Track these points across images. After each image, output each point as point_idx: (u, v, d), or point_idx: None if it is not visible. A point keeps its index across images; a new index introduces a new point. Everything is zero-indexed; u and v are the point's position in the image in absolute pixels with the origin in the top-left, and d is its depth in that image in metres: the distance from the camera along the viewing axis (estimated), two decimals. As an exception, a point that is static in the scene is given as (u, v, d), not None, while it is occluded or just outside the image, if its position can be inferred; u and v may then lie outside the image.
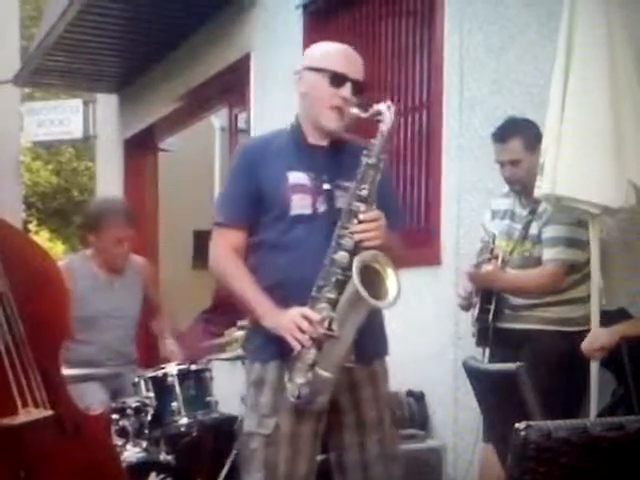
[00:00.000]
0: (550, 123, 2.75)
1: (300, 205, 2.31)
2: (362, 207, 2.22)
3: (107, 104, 8.62)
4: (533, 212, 3.03)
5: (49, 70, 7.60)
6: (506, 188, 3.24)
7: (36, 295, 2.53)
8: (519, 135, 3.04)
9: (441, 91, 4.02)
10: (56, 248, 14.71)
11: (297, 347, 2.19)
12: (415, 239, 4.39)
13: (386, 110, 2.28)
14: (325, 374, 2.20)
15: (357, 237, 2.20)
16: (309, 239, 2.29)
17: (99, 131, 9.35)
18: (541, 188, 2.74)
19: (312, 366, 2.19)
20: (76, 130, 9.72)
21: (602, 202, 2.68)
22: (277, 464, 2.29)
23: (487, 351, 3.16)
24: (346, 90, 2.32)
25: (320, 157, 2.37)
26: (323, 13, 5.09)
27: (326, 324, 2.17)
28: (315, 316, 2.17)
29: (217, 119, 8.25)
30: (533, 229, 3.03)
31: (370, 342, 2.34)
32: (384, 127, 2.27)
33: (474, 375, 2.53)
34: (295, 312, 2.20)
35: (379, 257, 2.20)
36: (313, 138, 2.39)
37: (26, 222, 13.53)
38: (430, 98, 4.23)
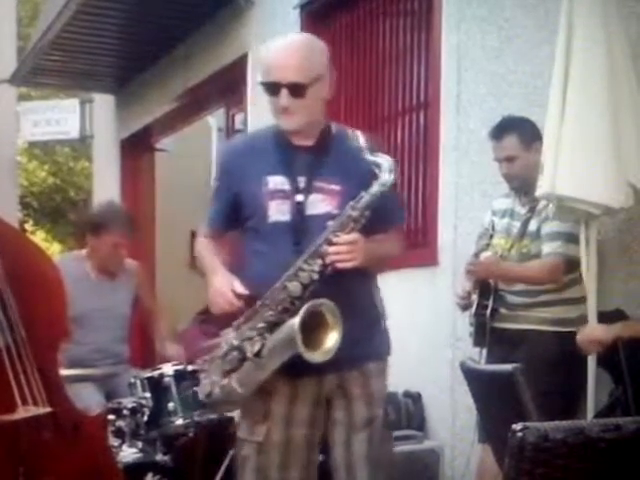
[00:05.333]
0: (550, 124, 2.75)
1: (278, 211, 2.27)
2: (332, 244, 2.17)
3: (104, 104, 8.61)
4: (532, 210, 3.04)
5: (46, 70, 7.59)
6: (505, 189, 3.26)
7: (34, 294, 2.54)
8: (514, 132, 3.07)
9: (439, 92, 4.02)
10: (52, 248, 14.69)
11: (214, 309, 2.27)
12: (412, 240, 4.40)
13: (387, 168, 2.17)
14: (238, 389, 2.22)
15: (329, 259, 2.15)
16: (286, 246, 2.25)
17: (96, 131, 9.33)
18: (542, 188, 2.75)
19: (230, 372, 2.22)
20: (73, 130, 9.70)
21: (602, 202, 2.69)
22: (269, 471, 2.30)
23: (484, 351, 3.16)
24: (282, 98, 2.23)
25: (303, 159, 2.29)
26: (321, 13, 5.09)
27: (257, 347, 2.17)
28: (242, 290, 2.23)
29: (214, 119, 8.24)
30: (532, 226, 3.05)
31: (363, 343, 2.31)
32: (376, 187, 2.17)
33: (471, 376, 2.54)
34: (226, 280, 2.26)
35: (333, 309, 2.16)
36: (297, 138, 2.31)
37: (22, 222, 13.50)
38: (428, 99, 4.23)
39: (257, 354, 2.17)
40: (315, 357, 2.15)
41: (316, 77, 2.24)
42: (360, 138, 2.24)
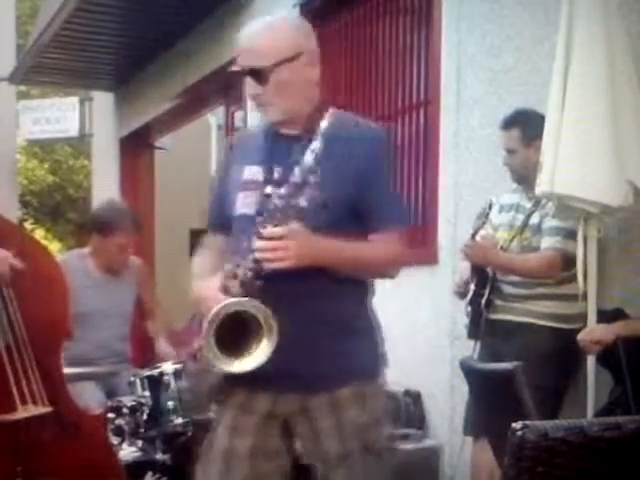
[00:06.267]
0: (549, 122, 2.75)
1: (245, 204, 2.04)
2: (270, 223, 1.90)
3: (103, 102, 8.61)
4: (537, 204, 3.05)
5: (45, 68, 7.59)
6: (506, 187, 3.28)
7: (37, 293, 2.54)
8: (517, 126, 3.12)
9: (438, 90, 4.01)
10: (52, 246, 14.69)
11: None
12: (412, 238, 4.40)
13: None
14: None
15: (255, 255, 1.88)
16: (245, 243, 1.98)
17: (95, 129, 9.34)
18: (540, 186, 2.75)
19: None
20: (72, 128, 9.71)
21: (602, 201, 2.69)
22: (213, 477, 2.11)
23: (478, 344, 3.17)
24: (249, 87, 2.04)
25: (284, 148, 2.02)
26: (320, 12, 5.09)
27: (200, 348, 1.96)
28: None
29: (213, 117, 8.25)
30: (534, 219, 3.06)
31: (334, 361, 2.01)
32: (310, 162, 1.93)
33: (471, 374, 2.54)
34: (213, 285, 1.97)
35: (261, 313, 1.85)
36: (283, 127, 2.07)
37: (22, 220, 13.50)
38: (427, 97, 4.22)
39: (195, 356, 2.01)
40: (233, 366, 1.87)
41: (285, 59, 1.99)
42: (362, 126, 2.06)
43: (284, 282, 1.89)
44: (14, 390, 2.35)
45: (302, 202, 1.94)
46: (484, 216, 3.17)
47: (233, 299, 1.87)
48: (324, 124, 1.97)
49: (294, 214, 1.92)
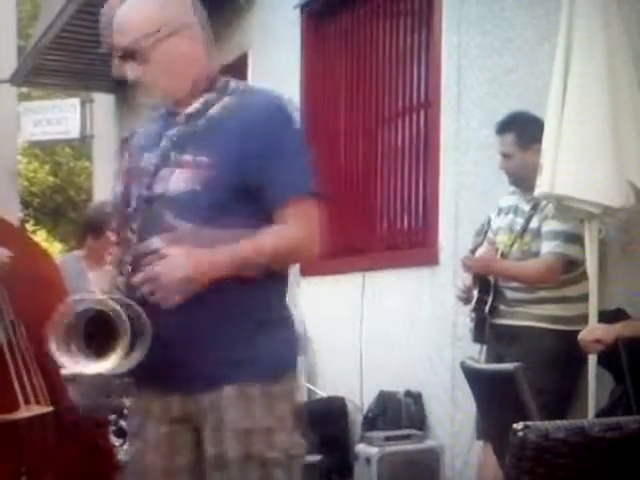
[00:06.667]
0: (550, 123, 2.75)
1: (134, 195, 1.82)
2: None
3: (104, 104, 8.61)
4: (535, 207, 3.05)
5: (46, 69, 7.59)
6: (506, 188, 3.28)
7: (36, 293, 2.54)
8: (512, 130, 3.11)
9: (439, 92, 4.02)
10: (53, 247, 14.69)
11: None
12: (413, 239, 4.40)
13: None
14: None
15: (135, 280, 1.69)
16: (128, 238, 1.80)
17: (96, 131, 9.34)
18: (540, 187, 2.75)
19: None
20: (73, 130, 9.72)
21: (603, 202, 2.69)
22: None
23: (484, 348, 3.18)
24: (129, 71, 1.87)
25: (175, 129, 1.84)
26: (321, 13, 5.09)
27: None
28: None
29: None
30: (533, 223, 3.06)
31: (219, 357, 1.75)
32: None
33: (472, 376, 2.54)
34: None
35: (111, 309, 1.68)
36: (175, 107, 1.87)
37: (23, 222, 13.51)
38: (428, 99, 4.23)
39: None
40: (94, 367, 1.71)
41: (155, 33, 1.82)
42: (254, 95, 1.84)
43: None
44: (17, 389, 2.35)
45: (188, 186, 1.75)
46: (483, 233, 3.17)
47: (94, 297, 1.73)
48: (212, 98, 1.82)
49: (166, 207, 1.74)
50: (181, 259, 1.68)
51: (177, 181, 1.77)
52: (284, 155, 1.78)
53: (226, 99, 1.83)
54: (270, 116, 1.80)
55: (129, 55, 1.84)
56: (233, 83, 1.88)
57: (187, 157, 1.79)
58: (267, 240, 1.74)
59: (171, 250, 1.69)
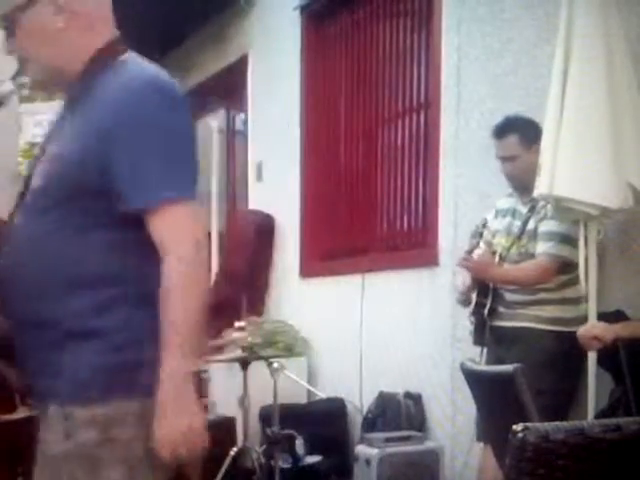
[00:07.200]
0: (548, 125, 2.76)
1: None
2: None
3: (104, 105, 8.61)
4: (532, 209, 3.05)
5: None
6: (505, 189, 3.27)
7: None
8: (515, 132, 3.10)
9: (439, 92, 4.02)
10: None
11: None
12: (413, 240, 4.40)
13: None
14: None
15: None
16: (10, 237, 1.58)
17: (96, 132, 9.33)
18: (539, 188, 2.76)
19: None
20: (73, 131, 9.70)
21: (601, 203, 2.69)
22: None
23: (485, 350, 3.17)
24: (6, 44, 1.64)
25: (59, 115, 1.64)
26: (321, 14, 5.09)
27: None
28: None
29: (214, 120, 8.23)
30: (530, 225, 3.06)
31: (43, 369, 1.54)
32: None
33: (471, 377, 2.54)
34: None
35: None
36: (62, 88, 1.68)
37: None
38: (428, 99, 4.23)
39: None
40: None
41: (21, 3, 1.57)
42: (121, 75, 1.53)
43: (9, 284, 1.54)
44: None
45: (37, 182, 1.52)
46: (478, 235, 3.16)
47: None
48: (91, 80, 1.55)
49: (24, 206, 1.54)
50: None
51: (36, 177, 1.55)
52: (144, 149, 1.45)
53: (98, 79, 1.54)
54: (129, 98, 1.47)
55: (8, 27, 1.59)
56: (121, 61, 1.58)
57: (50, 148, 1.56)
58: (170, 317, 1.45)
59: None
